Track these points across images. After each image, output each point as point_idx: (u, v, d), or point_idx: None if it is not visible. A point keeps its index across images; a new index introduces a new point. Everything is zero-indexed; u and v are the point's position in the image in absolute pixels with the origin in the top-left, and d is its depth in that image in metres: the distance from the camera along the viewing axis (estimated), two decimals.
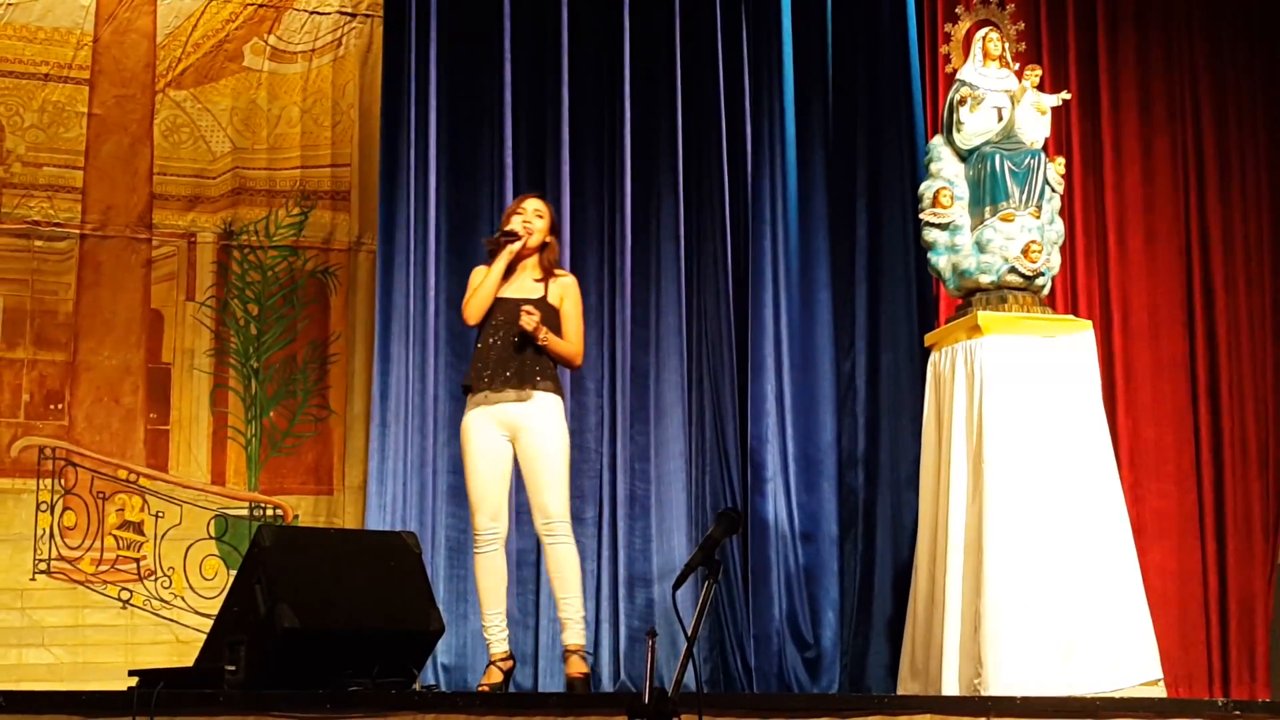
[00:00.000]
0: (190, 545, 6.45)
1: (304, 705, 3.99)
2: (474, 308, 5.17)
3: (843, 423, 7.01)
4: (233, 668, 4.22)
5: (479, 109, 6.85)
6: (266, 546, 4.39)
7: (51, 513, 6.35)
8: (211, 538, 6.49)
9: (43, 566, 6.32)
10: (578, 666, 5.05)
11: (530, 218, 5.24)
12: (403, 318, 6.61)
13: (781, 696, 6.16)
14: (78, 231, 6.57)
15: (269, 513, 6.56)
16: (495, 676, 5.04)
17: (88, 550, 6.36)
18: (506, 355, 5.08)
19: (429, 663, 5.78)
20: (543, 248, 5.26)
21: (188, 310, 6.69)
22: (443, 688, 6.01)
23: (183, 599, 6.38)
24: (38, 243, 6.52)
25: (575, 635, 5.08)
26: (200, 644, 4.57)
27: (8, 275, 6.48)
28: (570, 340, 5.17)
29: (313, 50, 6.89)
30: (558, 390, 5.15)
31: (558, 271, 5.27)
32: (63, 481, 6.39)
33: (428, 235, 6.68)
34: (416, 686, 4.54)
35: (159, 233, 6.69)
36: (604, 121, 6.98)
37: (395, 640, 4.49)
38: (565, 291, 5.20)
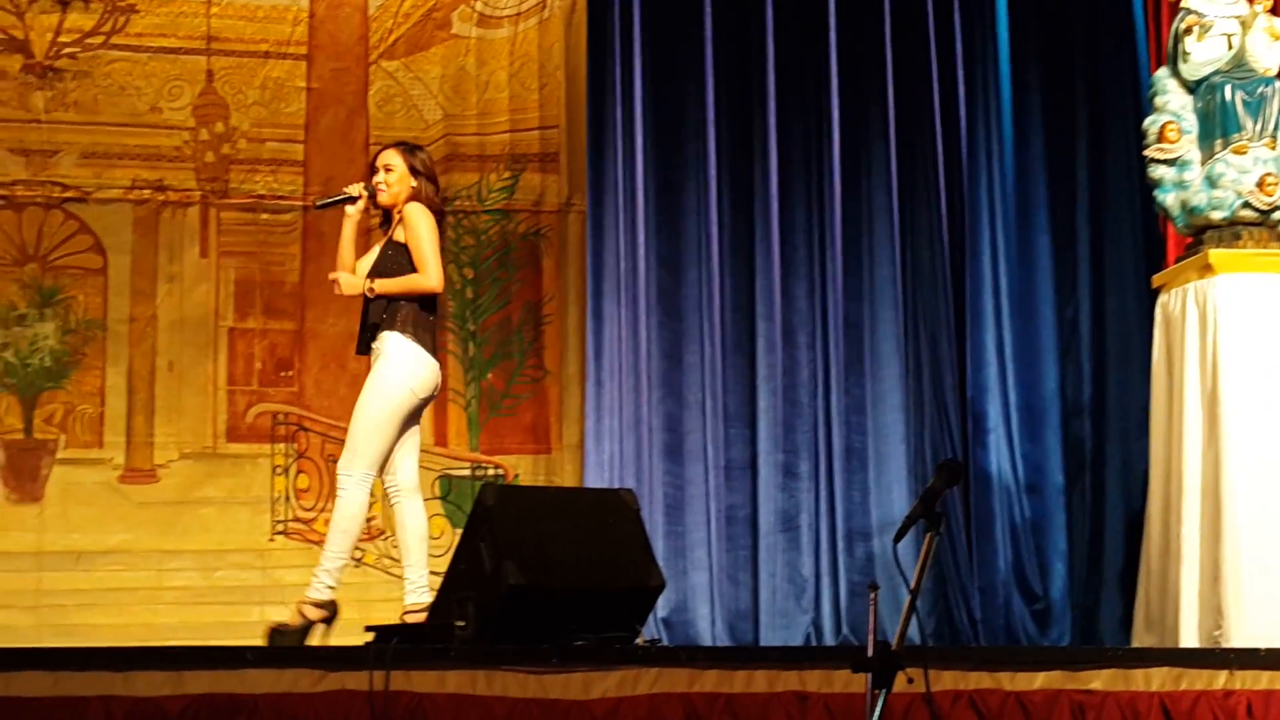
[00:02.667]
0: None
1: (531, 660, 4.06)
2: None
3: (1066, 370, 6.85)
4: (462, 623, 4.32)
5: (683, 65, 6.83)
6: (490, 505, 4.47)
7: (286, 476, 6.59)
8: (436, 498, 6.65)
9: (280, 528, 6.57)
10: (296, 615, 4.64)
11: (381, 177, 4.86)
12: (614, 276, 6.66)
13: (1010, 649, 6.04)
14: (300, 203, 6.78)
15: (490, 472, 6.69)
16: (293, 618, 4.64)
17: (321, 511, 6.58)
18: (363, 314, 4.82)
19: (650, 618, 5.83)
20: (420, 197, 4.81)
21: None
22: (665, 642, 6.07)
23: None
24: (263, 216, 6.75)
25: (312, 589, 4.69)
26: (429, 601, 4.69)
27: (237, 248, 6.73)
28: (417, 268, 4.71)
29: (518, 14, 6.95)
30: (401, 329, 4.68)
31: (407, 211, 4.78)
32: (295, 446, 6.63)
33: (635, 194, 6.71)
34: (639, 641, 4.57)
35: None
36: (809, 70, 6.89)
37: (617, 596, 4.53)
38: (406, 224, 4.78)
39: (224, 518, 6.44)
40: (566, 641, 4.26)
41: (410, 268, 4.74)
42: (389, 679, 3.92)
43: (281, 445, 6.62)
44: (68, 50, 6.65)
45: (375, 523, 6.60)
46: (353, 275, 4.81)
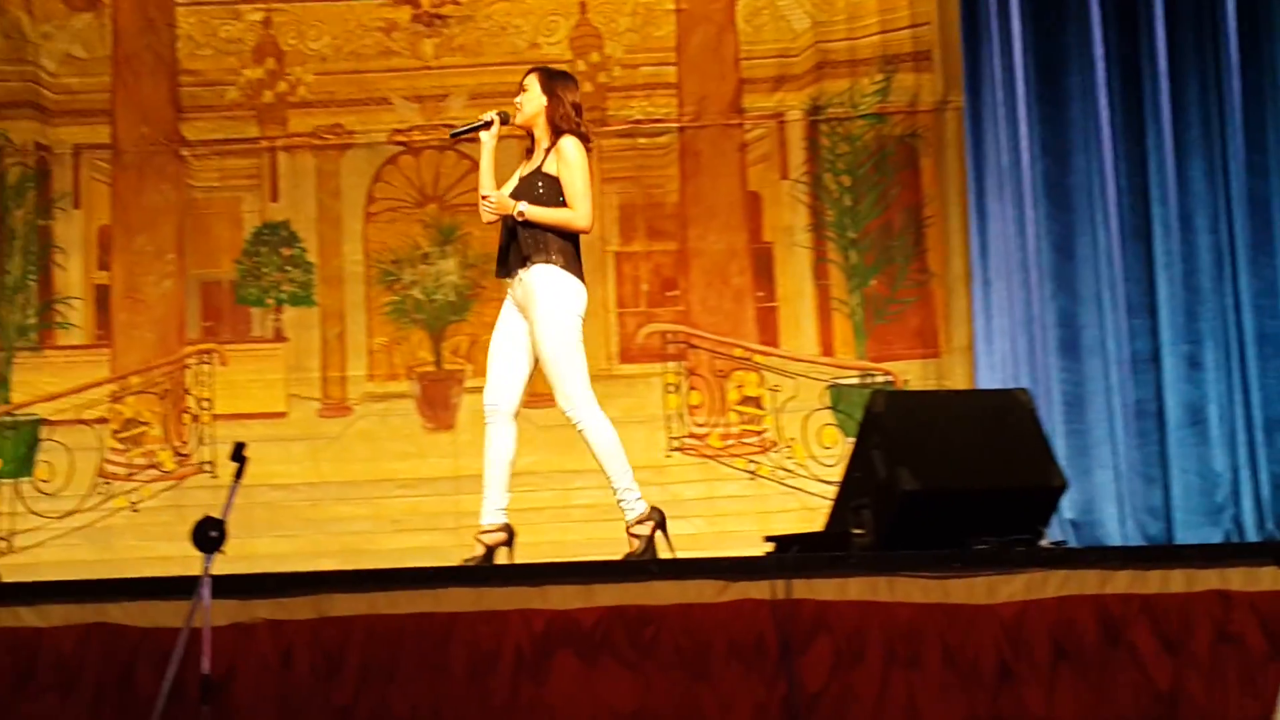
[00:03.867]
0: (807, 416, 6.67)
1: (932, 565, 4.03)
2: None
3: None
4: (860, 530, 4.32)
5: None
6: (881, 412, 4.44)
7: (678, 393, 6.76)
8: (826, 407, 6.67)
9: (676, 444, 6.74)
10: (631, 541, 4.62)
11: (519, 97, 4.73)
12: (996, 172, 6.48)
13: None
14: (676, 125, 6.88)
15: (879, 379, 6.64)
16: (477, 550, 4.62)
17: (715, 427, 6.73)
18: (506, 240, 4.69)
19: (1054, 519, 5.67)
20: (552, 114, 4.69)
21: (783, 189, 6.86)
22: (1071, 544, 5.90)
23: (805, 468, 6.62)
24: (641, 140, 6.89)
25: (627, 513, 4.63)
26: (825, 510, 4.72)
27: (618, 174, 6.90)
28: (569, 205, 4.62)
29: None
30: (555, 261, 4.60)
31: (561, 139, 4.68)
32: (685, 363, 6.79)
33: (1014, 84, 6.49)
34: (1044, 543, 4.45)
35: (749, 116, 6.88)
36: None
37: (1016, 498, 4.43)
38: (559, 156, 4.64)
39: (622, 437, 6.53)
40: (967, 545, 4.20)
41: (558, 201, 4.66)
42: (791, 588, 3.97)
43: (672, 364, 6.79)
44: None
45: (767, 435, 6.69)
46: (503, 196, 4.74)
